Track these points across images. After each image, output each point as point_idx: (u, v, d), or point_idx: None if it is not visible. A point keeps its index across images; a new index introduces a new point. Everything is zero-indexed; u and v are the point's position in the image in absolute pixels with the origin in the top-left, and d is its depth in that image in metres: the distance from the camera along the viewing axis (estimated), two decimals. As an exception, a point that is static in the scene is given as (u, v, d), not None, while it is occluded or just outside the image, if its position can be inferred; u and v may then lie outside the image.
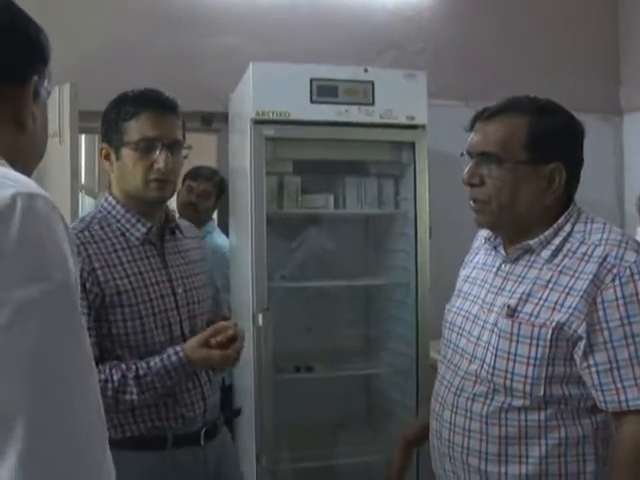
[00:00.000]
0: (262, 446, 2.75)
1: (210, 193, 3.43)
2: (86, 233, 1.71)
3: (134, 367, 1.65)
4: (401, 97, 2.89)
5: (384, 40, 3.71)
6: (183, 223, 1.94)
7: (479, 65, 3.76)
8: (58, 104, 2.71)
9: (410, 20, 3.77)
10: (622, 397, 1.39)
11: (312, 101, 2.82)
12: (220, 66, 3.48)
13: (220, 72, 3.44)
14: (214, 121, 3.65)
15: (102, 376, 1.61)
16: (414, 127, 2.92)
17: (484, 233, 1.73)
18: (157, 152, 1.70)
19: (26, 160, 0.98)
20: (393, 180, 3.12)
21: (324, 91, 2.82)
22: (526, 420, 1.48)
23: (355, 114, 2.85)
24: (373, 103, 2.87)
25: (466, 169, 1.57)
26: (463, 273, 1.76)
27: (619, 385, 1.39)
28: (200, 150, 3.55)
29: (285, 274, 3.06)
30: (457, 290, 1.75)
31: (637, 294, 1.40)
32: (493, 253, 1.66)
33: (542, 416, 1.48)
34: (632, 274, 1.40)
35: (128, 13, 3.41)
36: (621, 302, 1.40)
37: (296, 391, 3.05)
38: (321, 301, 3.29)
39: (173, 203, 3.74)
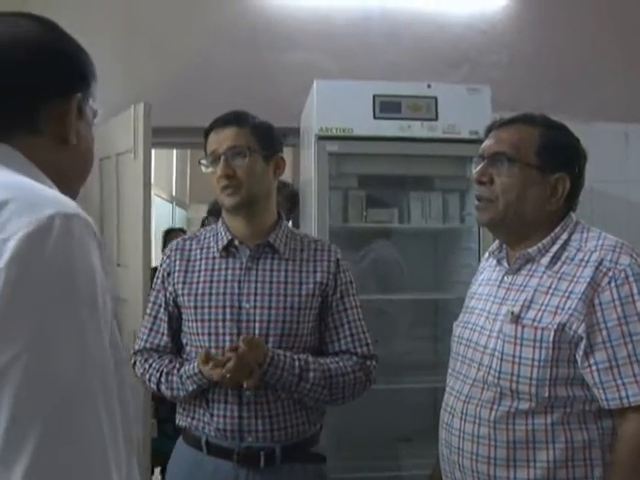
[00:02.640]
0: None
1: (279, 204, 3.50)
2: (184, 242, 1.96)
3: (171, 365, 1.83)
4: (464, 112, 2.90)
5: (458, 54, 3.71)
6: (319, 245, 1.96)
7: (554, 78, 3.70)
8: (133, 122, 2.89)
9: (484, 33, 3.75)
10: (623, 394, 1.44)
11: (375, 117, 2.88)
12: (295, 82, 3.56)
13: (295, 88, 3.51)
14: (289, 136, 3.74)
15: (156, 365, 1.85)
16: (478, 142, 2.90)
17: (491, 250, 1.78)
18: (220, 162, 1.83)
19: (69, 178, 0.99)
20: (458, 195, 3.12)
21: (387, 107, 2.88)
22: (533, 424, 1.51)
23: (418, 129, 2.89)
24: (436, 118, 2.90)
25: (477, 168, 1.65)
26: (470, 291, 1.82)
27: (619, 382, 1.45)
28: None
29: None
30: (465, 307, 1.81)
31: (632, 295, 1.46)
32: (497, 268, 1.72)
33: (549, 420, 1.51)
34: (627, 276, 1.48)
35: (207, 30, 3.56)
36: (617, 303, 1.46)
37: (361, 403, 3.08)
38: (389, 315, 3.31)
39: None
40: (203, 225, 3.50)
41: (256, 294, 1.83)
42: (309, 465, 1.86)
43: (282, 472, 1.81)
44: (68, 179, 0.98)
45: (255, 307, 1.81)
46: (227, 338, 1.80)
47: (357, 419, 3.00)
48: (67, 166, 0.98)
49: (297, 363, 1.77)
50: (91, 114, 1.03)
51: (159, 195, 6.21)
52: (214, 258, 1.88)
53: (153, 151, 5.76)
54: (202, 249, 1.92)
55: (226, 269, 1.87)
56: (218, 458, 1.79)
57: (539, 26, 3.76)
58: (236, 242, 1.87)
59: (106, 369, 0.78)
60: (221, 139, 1.84)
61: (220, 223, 1.94)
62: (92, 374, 0.76)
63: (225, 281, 1.85)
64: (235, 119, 1.87)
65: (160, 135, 3.11)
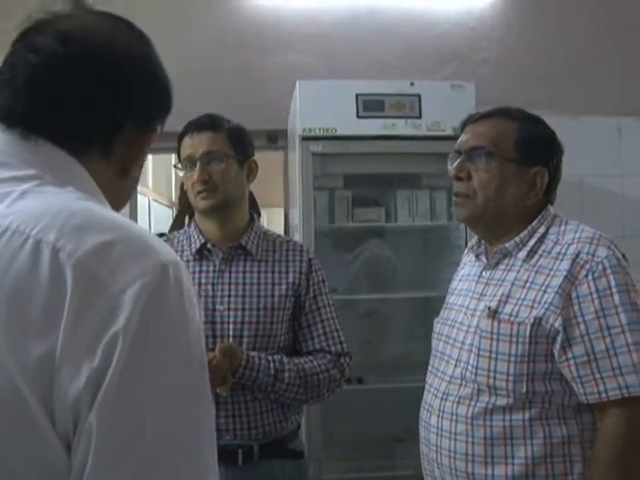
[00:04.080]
0: (310, 455, 2.80)
1: None
2: None
3: None
4: (448, 109, 2.88)
5: (447, 51, 3.69)
6: (290, 246, 1.97)
7: (544, 73, 3.67)
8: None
9: (473, 29, 3.73)
10: (601, 388, 1.42)
11: (358, 116, 2.88)
12: (284, 84, 3.55)
13: (284, 90, 3.50)
14: (279, 139, 3.74)
15: None
16: (462, 138, 2.90)
17: (470, 245, 1.77)
18: (197, 167, 1.83)
19: (115, 204, 0.89)
20: (445, 192, 3.11)
21: (370, 106, 2.88)
22: (510, 420, 1.49)
23: (402, 127, 2.89)
24: (420, 116, 2.90)
25: (454, 164, 1.63)
26: (451, 287, 1.80)
27: (597, 376, 1.43)
28: (268, 168, 3.66)
29: (337, 287, 3.11)
30: (445, 303, 1.79)
31: (610, 288, 1.44)
32: (476, 263, 1.70)
33: (527, 416, 1.49)
34: (604, 269, 1.45)
35: (194, 34, 3.54)
36: (595, 296, 1.44)
37: (353, 403, 3.07)
38: (379, 314, 3.31)
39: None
40: None
41: (229, 296, 1.84)
42: (287, 461, 1.88)
43: (260, 469, 1.82)
44: (114, 205, 0.88)
45: (229, 309, 1.83)
46: (214, 341, 1.80)
47: (349, 419, 3.00)
48: (119, 193, 0.91)
49: (272, 364, 1.78)
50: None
51: (158, 201, 6.22)
52: (187, 261, 1.88)
53: (150, 157, 5.81)
54: (175, 252, 1.91)
55: (200, 272, 1.87)
56: (223, 461, 1.77)
57: (528, 21, 3.74)
58: (209, 245, 1.88)
59: (212, 431, 0.76)
60: (196, 144, 1.85)
61: (193, 226, 1.94)
62: (205, 441, 0.73)
63: (199, 284, 1.85)
64: (210, 123, 1.87)
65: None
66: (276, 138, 3.72)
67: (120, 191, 0.90)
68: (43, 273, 0.66)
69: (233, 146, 1.87)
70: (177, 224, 3.28)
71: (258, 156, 1.99)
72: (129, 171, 0.88)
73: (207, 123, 1.87)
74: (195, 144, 1.85)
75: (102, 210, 0.76)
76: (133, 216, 2.84)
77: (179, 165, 1.91)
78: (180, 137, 1.89)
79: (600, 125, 3.57)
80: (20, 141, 0.79)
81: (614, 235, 1.57)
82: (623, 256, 1.52)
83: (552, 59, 3.70)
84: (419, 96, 2.89)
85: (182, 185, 3.23)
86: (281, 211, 3.97)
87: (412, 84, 2.91)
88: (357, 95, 2.87)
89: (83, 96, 0.80)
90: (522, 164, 1.57)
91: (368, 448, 3.11)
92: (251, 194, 3.42)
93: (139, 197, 5.45)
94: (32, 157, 0.79)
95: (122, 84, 0.83)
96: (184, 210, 3.31)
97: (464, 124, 1.69)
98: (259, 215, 3.40)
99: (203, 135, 1.85)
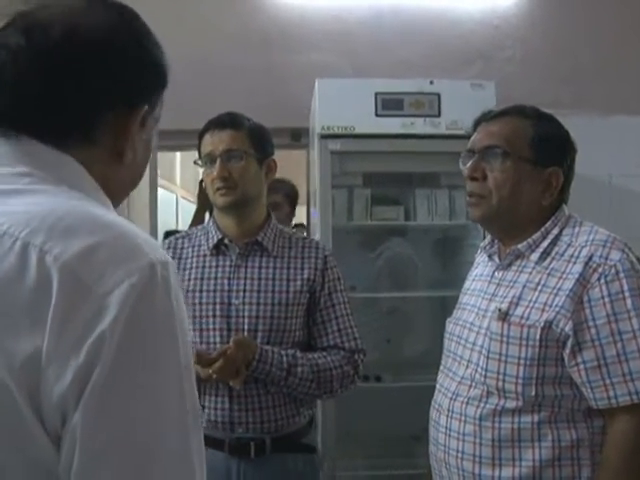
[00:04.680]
0: (325, 451, 2.82)
1: (279, 204, 3.49)
2: (177, 241, 1.99)
3: None
4: (468, 108, 2.83)
5: (472, 50, 3.68)
6: (306, 243, 1.99)
7: (570, 71, 3.63)
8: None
9: (498, 28, 3.71)
10: (611, 393, 1.41)
11: (377, 114, 2.89)
12: (308, 82, 3.56)
13: (308, 88, 3.52)
14: (302, 137, 3.75)
15: None
16: (481, 137, 2.88)
17: (483, 245, 1.75)
18: (216, 165, 1.87)
19: (116, 192, 0.87)
20: (464, 191, 3.08)
21: (389, 104, 2.88)
22: (519, 423, 1.48)
23: (421, 126, 2.89)
24: (439, 115, 2.89)
25: (468, 163, 1.60)
26: (464, 286, 1.79)
27: (607, 382, 1.41)
28: (293, 166, 3.69)
29: (355, 285, 3.12)
30: (458, 303, 1.78)
31: (623, 292, 1.42)
32: (489, 263, 1.68)
33: (535, 419, 1.47)
34: (617, 272, 1.43)
35: (218, 31, 3.57)
36: (607, 300, 1.42)
37: (370, 401, 3.08)
38: (399, 313, 3.30)
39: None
40: None
41: (245, 291, 1.86)
42: (299, 455, 1.90)
43: (273, 462, 1.84)
44: (114, 193, 0.87)
45: (244, 303, 1.85)
46: (217, 334, 1.84)
47: (367, 416, 3.01)
48: (118, 181, 0.87)
49: (285, 358, 1.81)
50: (153, 123, 0.90)
51: (186, 198, 6.29)
52: (204, 256, 1.92)
53: (178, 154, 5.86)
54: (193, 247, 1.95)
55: (216, 267, 1.90)
56: (210, 448, 1.80)
57: (554, 19, 3.70)
58: (226, 240, 1.91)
59: (199, 433, 0.74)
60: (217, 141, 1.88)
61: (211, 222, 1.97)
62: (193, 443, 0.72)
63: (215, 278, 1.88)
64: (231, 122, 1.90)
65: (167, 138, 3.16)
66: (299, 136, 3.73)
67: (118, 178, 0.87)
68: (30, 276, 0.67)
69: (253, 144, 1.89)
70: (197, 220, 3.30)
71: (282, 154, 2.03)
72: (123, 155, 0.84)
73: (228, 121, 1.90)
74: (215, 141, 1.88)
75: (94, 210, 0.75)
76: (153, 212, 2.88)
77: (199, 162, 1.94)
78: (201, 134, 1.92)
79: (626, 125, 3.51)
80: (2, 140, 0.79)
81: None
82: (638, 259, 1.49)
83: (578, 58, 3.66)
84: (438, 95, 2.89)
85: (201, 182, 3.27)
86: (305, 209, 3.99)
87: (432, 83, 2.90)
88: (376, 94, 2.88)
89: (51, 89, 0.78)
90: (537, 164, 1.55)
91: (385, 446, 3.11)
92: (296, 191, 3.47)
93: (166, 194, 5.55)
94: (19, 155, 0.78)
95: (93, 70, 0.80)
96: (203, 206, 3.34)
97: (477, 123, 1.66)
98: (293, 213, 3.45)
99: (224, 133, 1.88)
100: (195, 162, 1.97)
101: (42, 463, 0.68)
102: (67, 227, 0.70)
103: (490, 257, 1.68)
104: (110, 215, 0.77)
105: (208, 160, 1.89)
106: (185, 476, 0.71)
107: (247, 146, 1.88)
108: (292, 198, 3.50)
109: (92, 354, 0.65)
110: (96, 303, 0.66)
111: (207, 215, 3.30)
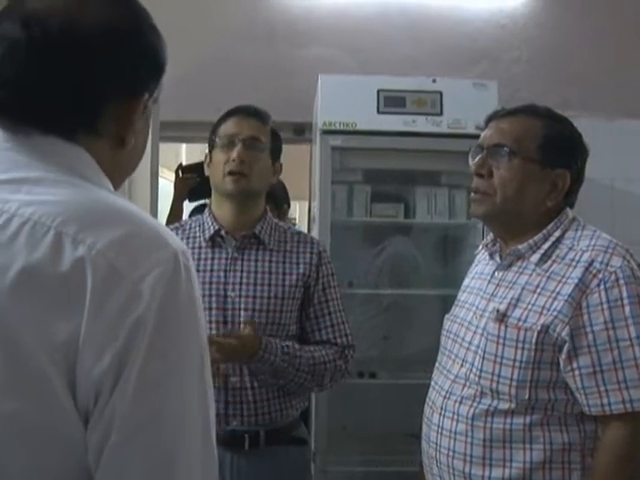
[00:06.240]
0: (318, 446, 2.83)
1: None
2: (173, 232, 1.96)
3: None
4: (470, 107, 2.87)
5: (478, 49, 3.66)
6: (301, 237, 2.01)
7: (576, 73, 3.62)
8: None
9: (504, 28, 3.69)
10: (605, 401, 1.40)
11: (379, 111, 2.89)
12: (312, 77, 3.56)
13: (312, 83, 3.52)
14: (306, 131, 3.75)
15: None
16: (484, 137, 2.88)
17: (484, 242, 1.74)
18: (236, 148, 1.87)
19: (117, 175, 0.90)
20: (465, 191, 3.09)
21: (391, 102, 2.88)
22: (511, 424, 1.48)
23: (422, 124, 2.89)
24: (441, 113, 2.89)
25: (475, 159, 1.60)
26: (464, 283, 1.78)
27: (602, 389, 1.40)
28: (297, 161, 3.68)
29: (353, 281, 3.12)
30: (457, 300, 1.77)
31: (622, 299, 1.41)
32: (490, 262, 1.67)
33: (528, 421, 1.47)
34: (617, 279, 1.42)
35: (223, 26, 3.56)
36: (605, 306, 1.41)
37: (366, 397, 3.09)
38: (396, 310, 3.31)
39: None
40: None
41: (241, 283, 1.87)
42: (292, 447, 1.93)
43: (266, 454, 1.87)
44: (115, 178, 0.89)
45: (240, 296, 1.86)
46: (213, 326, 1.84)
47: (362, 413, 3.02)
48: (118, 165, 0.89)
49: (285, 349, 1.82)
50: (152, 106, 0.92)
51: (193, 189, 6.32)
52: (200, 248, 1.92)
53: (184, 146, 5.86)
54: (188, 239, 1.95)
55: (212, 259, 1.90)
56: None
57: (561, 20, 3.69)
58: (222, 232, 1.91)
59: (212, 419, 0.80)
60: (245, 126, 1.89)
61: (207, 213, 1.97)
62: (212, 418, 0.79)
63: (211, 270, 1.88)
64: (258, 114, 1.93)
65: (172, 130, 3.17)
66: (302, 131, 3.72)
67: (119, 162, 0.89)
68: (65, 264, 0.71)
69: (272, 142, 1.93)
70: (176, 211, 3.13)
71: (286, 148, 2.04)
72: (125, 140, 0.87)
73: (255, 113, 1.93)
74: (243, 126, 1.89)
75: (115, 200, 0.80)
76: (153, 201, 2.88)
77: (217, 139, 1.91)
78: (225, 116, 1.93)
79: (630, 128, 3.50)
80: (12, 134, 0.81)
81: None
82: (639, 266, 1.48)
83: (585, 59, 3.64)
84: (441, 93, 2.89)
85: (177, 170, 3.18)
86: (307, 204, 3.99)
87: (434, 81, 2.90)
88: (378, 91, 2.88)
89: (50, 80, 0.79)
90: (545, 165, 1.54)
91: (379, 442, 3.12)
92: (283, 185, 3.43)
93: (167, 184, 5.53)
94: (31, 148, 0.80)
95: (92, 59, 0.80)
96: (181, 196, 3.15)
97: (489, 119, 1.65)
98: (289, 207, 3.42)
99: (252, 120, 1.90)
100: (210, 138, 1.95)
101: (71, 440, 0.73)
102: (96, 218, 0.76)
103: (491, 256, 1.67)
104: (130, 205, 0.81)
105: (227, 142, 1.89)
106: (209, 450, 0.79)
107: (269, 141, 1.92)
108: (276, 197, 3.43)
109: (129, 339, 0.71)
110: (129, 289, 0.72)
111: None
